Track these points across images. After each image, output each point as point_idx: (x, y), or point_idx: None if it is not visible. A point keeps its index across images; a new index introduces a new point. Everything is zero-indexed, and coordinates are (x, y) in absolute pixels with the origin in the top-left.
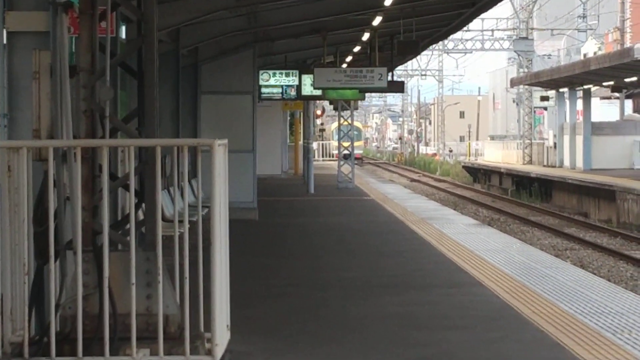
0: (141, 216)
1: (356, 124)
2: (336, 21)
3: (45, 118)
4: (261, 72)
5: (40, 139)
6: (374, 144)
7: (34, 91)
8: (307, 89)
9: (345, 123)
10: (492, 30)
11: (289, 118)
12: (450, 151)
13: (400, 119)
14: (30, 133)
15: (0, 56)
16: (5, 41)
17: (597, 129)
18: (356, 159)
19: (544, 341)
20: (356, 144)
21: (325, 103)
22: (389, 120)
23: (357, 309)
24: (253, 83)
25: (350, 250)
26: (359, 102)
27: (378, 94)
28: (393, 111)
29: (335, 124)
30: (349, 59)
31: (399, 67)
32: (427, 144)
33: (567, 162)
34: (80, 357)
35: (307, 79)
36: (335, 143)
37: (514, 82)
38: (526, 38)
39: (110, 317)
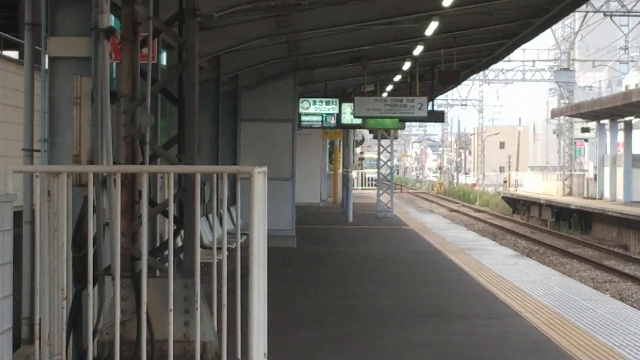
0: (180, 243)
1: (371, 154)
2: (377, 50)
3: (86, 143)
4: (301, 100)
5: (81, 164)
6: (412, 174)
7: (75, 116)
8: (347, 118)
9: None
10: (534, 61)
11: (328, 146)
12: (505, 182)
13: (440, 149)
14: (71, 158)
15: (41, 81)
16: (46, 66)
17: (638, 161)
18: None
19: None
20: (373, 170)
21: (365, 132)
22: (429, 150)
23: (394, 338)
24: (293, 111)
25: (387, 279)
26: (399, 131)
27: (418, 124)
28: (433, 141)
29: (366, 155)
30: (389, 87)
31: (440, 97)
32: (466, 174)
33: (607, 194)
34: None
35: (347, 108)
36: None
37: (554, 113)
38: (567, 69)
39: (147, 343)
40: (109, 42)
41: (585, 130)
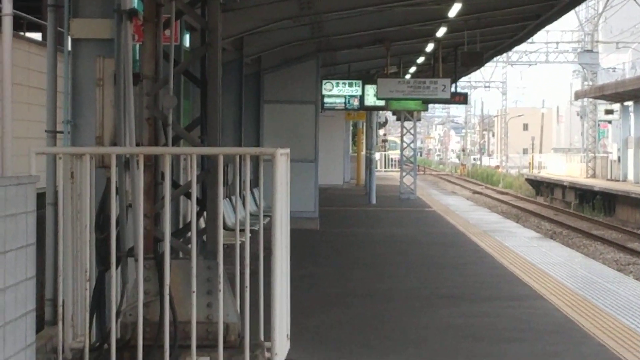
0: (202, 224)
1: (393, 138)
2: (400, 32)
3: (109, 125)
4: (324, 81)
5: (103, 145)
6: (436, 155)
7: (98, 98)
8: (370, 100)
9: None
10: (557, 43)
11: (351, 128)
12: (530, 164)
13: (463, 131)
14: (93, 140)
15: (64, 63)
16: (69, 48)
17: None
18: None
19: (605, 355)
20: (396, 152)
21: (388, 113)
22: (452, 132)
23: (417, 320)
24: (316, 93)
25: (410, 261)
26: (422, 113)
27: (441, 105)
28: (456, 122)
29: (389, 137)
30: (412, 69)
31: (463, 79)
32: (489, 156)
33: (630, 176)
34: None
35: (370, 90)
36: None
37: (578, 95)
38: (591, 51)
39: (170, 325)
40: (131, 24)
41: (608, 112)
